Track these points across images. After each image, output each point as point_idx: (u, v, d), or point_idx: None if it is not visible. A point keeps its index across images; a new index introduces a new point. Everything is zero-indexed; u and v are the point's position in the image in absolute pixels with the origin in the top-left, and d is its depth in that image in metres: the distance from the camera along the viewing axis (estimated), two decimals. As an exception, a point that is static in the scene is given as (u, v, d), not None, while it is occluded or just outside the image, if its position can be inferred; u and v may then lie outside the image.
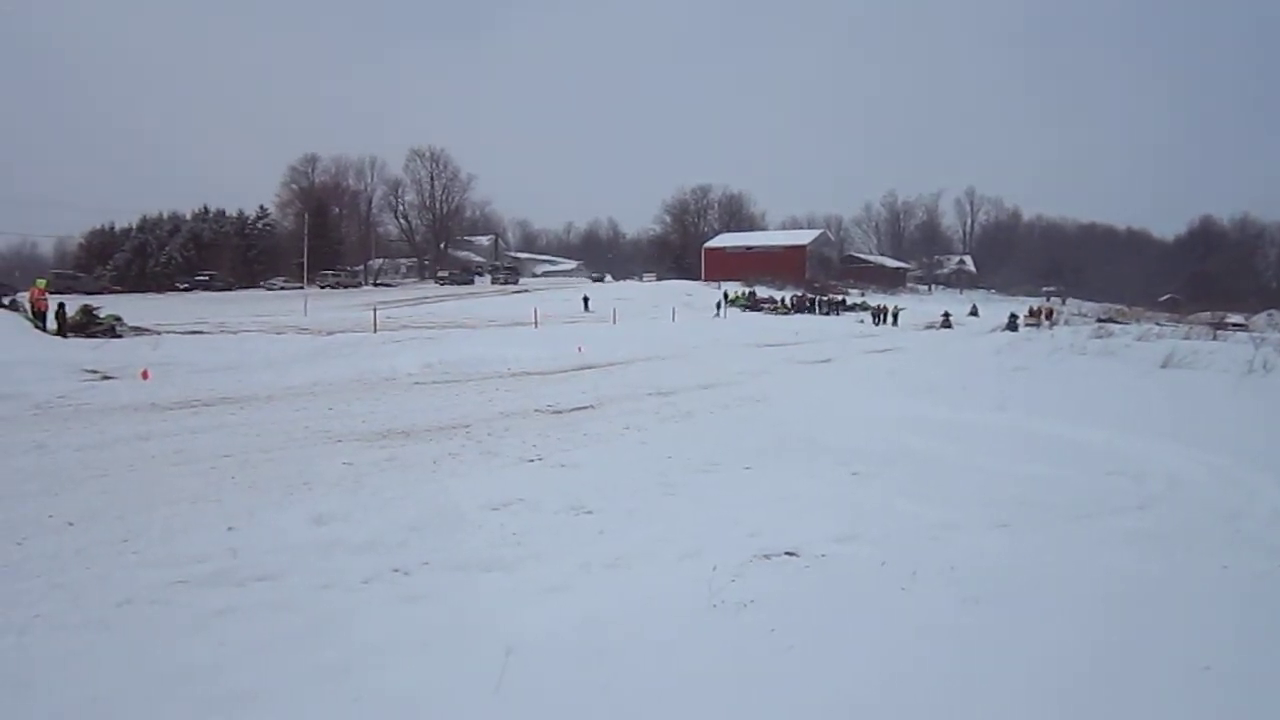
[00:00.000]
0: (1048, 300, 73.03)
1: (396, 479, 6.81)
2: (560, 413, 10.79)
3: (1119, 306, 61.81)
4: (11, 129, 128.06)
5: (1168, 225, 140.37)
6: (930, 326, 48.38)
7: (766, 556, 4.82)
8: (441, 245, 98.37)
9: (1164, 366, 15.67)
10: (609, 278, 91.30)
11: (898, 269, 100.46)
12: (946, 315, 53.20)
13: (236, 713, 3.02)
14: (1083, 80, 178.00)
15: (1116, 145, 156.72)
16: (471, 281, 79.63)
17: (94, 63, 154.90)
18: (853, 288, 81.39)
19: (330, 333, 24.26)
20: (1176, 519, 5.80)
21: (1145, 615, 4.00)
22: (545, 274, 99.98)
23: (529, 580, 4.41)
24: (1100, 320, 39.70)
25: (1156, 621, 3.91)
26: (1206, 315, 39.70)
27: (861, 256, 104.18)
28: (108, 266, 74.33)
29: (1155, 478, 7.00)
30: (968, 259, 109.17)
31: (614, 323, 35.19)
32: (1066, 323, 40.88)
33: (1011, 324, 43.11)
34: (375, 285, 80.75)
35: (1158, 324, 31.19)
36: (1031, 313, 53.06)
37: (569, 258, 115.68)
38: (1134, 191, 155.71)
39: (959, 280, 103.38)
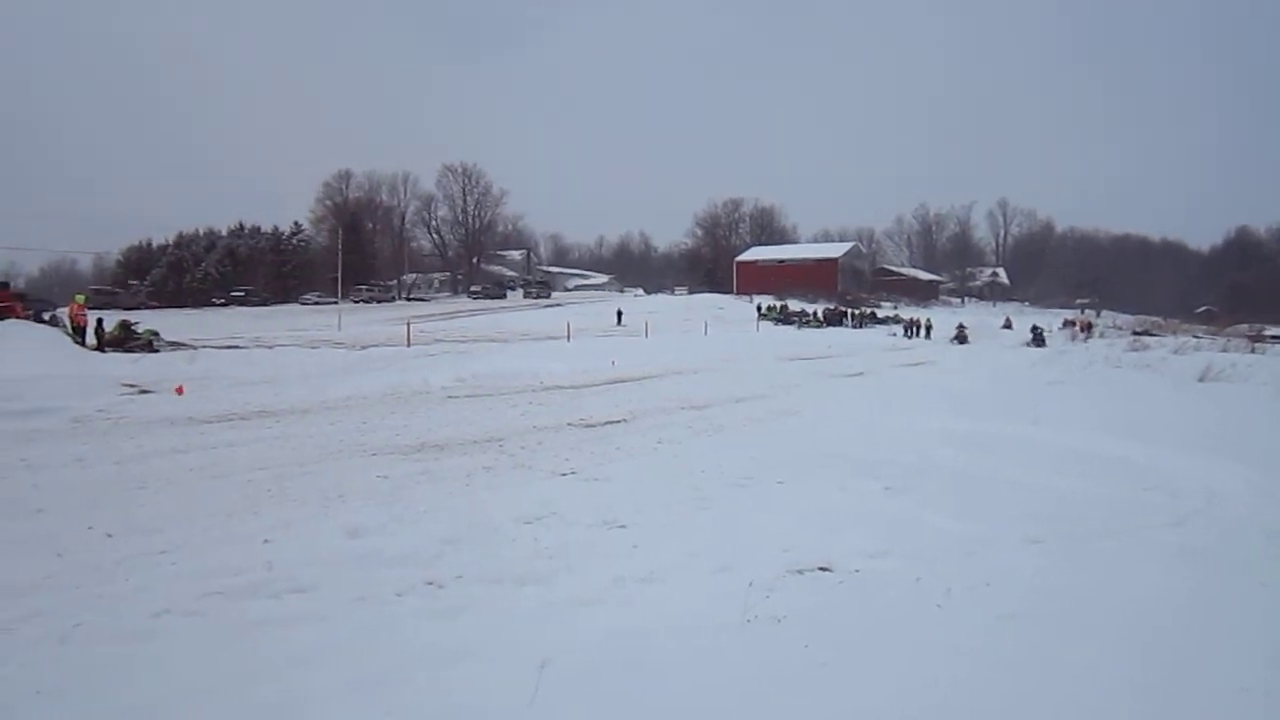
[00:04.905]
0: (1082, 312, 72.04)
1: (430, 492, 6.83)
2: (593, 426, 10.79)
3: (1154, 319, 60.77)
4: (51, 148, 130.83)
5: (1203, 236, 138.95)
6: (955, 340, 45.62)
7: (800, 571, 4.78)
8: (474, 260, 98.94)
9: (1201, 380, 15.51)
10: (641, 291, 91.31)
11: (930, 281, 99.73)
12: (961, 328, 48.91)
13: (272, 725, 3.03)
14: (1116, 90, 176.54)
15: (1150, 155, 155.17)
16: (504, 295, 79.94)
17: (129, 83, 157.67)
18: (885, 300, 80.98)
19: (364, 347, 24.48)
20: (1213, 535, 5.71)
21: (1181, 634, 3.92)
22: (577, 288, 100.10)
23: (562, 594, 4.40)
24: (1135, 333, 39.11)
25: (1192, 640, 3.84)
26: (1244, 327, 39.18)
27: (893, 269, 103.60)
28: (145, 282, 75.33)
29: (1192, 493, 6.89)
30: (1001, 271, 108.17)
31: (646, 336, 35.18)
32: (1101, 335, 40.40)
33: (1037, 338, 40.69)
34: (408, 300, 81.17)
35: (1194, 336, 30.86)
36: (1067, 324, 52.15)
37: (601, 271, 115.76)
38: (1168, 202, 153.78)
39: (992, 292, 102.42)
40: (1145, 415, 11.60)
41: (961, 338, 46.00)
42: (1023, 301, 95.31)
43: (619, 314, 48.93)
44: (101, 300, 46.23)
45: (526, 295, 79.54)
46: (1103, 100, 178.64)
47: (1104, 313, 77.25)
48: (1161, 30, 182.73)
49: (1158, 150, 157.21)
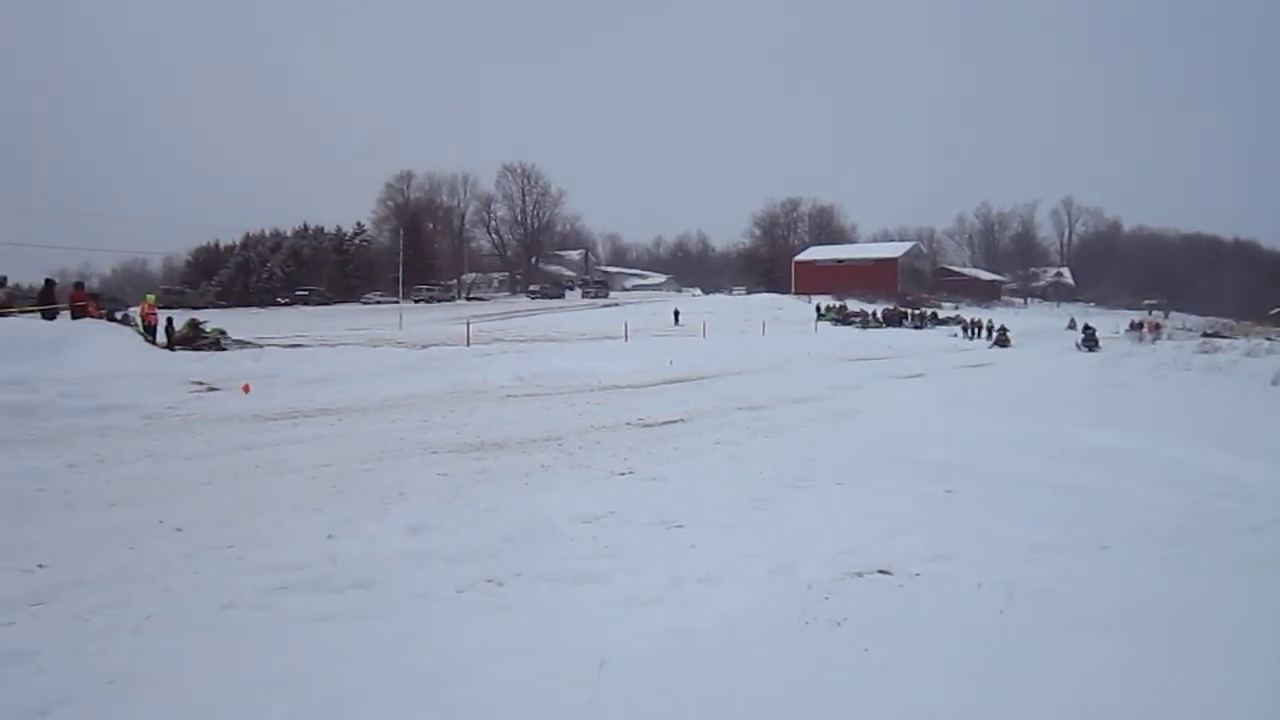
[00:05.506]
0: (1150, 313, 70.13)
1: (490, 490, 6.88)
2: (650, 426, 10.79)
3: (1226, 320, 58.97)
4: (123, 151, 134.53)
5: (1277, 235, 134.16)
6: (994, 344, 41.98)
7: (859, 574, 4.71)
8: (532, 260, 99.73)
9: (1275, 383, 15.03)
10: (698, 291, 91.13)
11: (992, 282, 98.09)
12: (1003, 330, 45.24)
13: (333, 718, 3.07)
14: (1185, 85, 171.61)
15: (1221, 152, 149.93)
16: (562, 295, 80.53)
17: (200, 87, 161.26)
18: (946, 301, 79.90)
19: (424, 346, 24.76)
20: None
21: (1255, 647, 3.78)
22: (635, 288, 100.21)
23: (621, 593, 4.39)
24: (1205, 335, 37.97)
25: (1268, 654, 3.72)
26: (1321, 330, 37.78)
27: (954, 269, 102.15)
28: (213, 282, 77.31)
29: (1265, 500, 6.64)
30: (1065, 271, 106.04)
31: (703, 336, 35.10)
32: (1169, 337, 39.29)
33: (1089, 340, 36.26)
34: (468, 299, 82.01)
35: (1268, 339, 29.87)
36: (1134, 326, 50.73)
37: (658, 271, 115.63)
38: (1241, 200, 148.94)
39: (1056, 293, 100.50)
40: (1215, 419, 11.28)
41: (1002, 341, 42.19)
42: (1088, 302, 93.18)
43: (676, 314, 48.97)
44: (171, 300, 47.37)
45: (584, 295, 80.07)
46: (1173, 95, 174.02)
47: (1172, 314, 75.22)
48: (1232, 21, 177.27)
49: (1230, 147, 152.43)
